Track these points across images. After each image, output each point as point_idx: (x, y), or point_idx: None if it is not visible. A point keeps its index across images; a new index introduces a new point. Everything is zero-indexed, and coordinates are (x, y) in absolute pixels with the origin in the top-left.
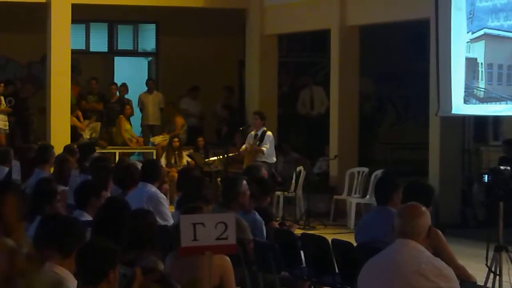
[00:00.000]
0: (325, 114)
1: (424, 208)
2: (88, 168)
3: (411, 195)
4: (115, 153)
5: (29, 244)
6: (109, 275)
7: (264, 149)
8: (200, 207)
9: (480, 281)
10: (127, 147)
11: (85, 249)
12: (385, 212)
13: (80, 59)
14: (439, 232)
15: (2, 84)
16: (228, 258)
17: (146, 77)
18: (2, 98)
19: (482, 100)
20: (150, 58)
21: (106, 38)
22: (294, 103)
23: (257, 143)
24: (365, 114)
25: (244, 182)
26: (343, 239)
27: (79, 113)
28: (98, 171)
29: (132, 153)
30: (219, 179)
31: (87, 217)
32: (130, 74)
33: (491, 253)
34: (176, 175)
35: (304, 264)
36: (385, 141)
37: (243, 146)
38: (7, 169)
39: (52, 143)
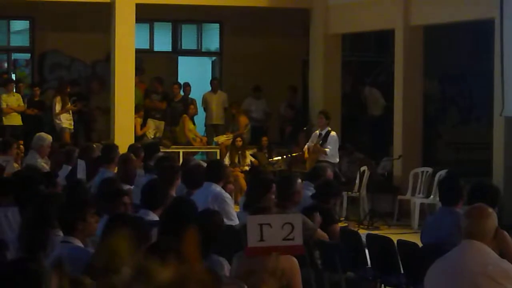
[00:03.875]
0: (383, 115)
1: (490, 209)
2: (153, 168)
3: (476, 196)
4: (179, 152)
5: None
6: None
7: (326, 150)
8: (269, 207)
9: None
10: (191, 146)
11: (151, 249)
12: (452, 213)
13: (144, 59)
14: (506, 233)
15: (69, 86)
16: (295, 259)
17: (210, 77)
18: (67, 98)
19: None
20: (214, 58)
21: (170, 38)
22: (357, 102)
23: (320, 143)
24: (428, 114)
25: (299, 180)
26: (407, 239)
27: (139, 120)
28: (164, 170)
29: (196, 153)
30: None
31: (153, 217)
32: (194, 73)
33: None
34: (240, 174)
35: (369, 265)
36: (449, 141)
37: (306, 146)
38: (70, 167)
39: (116, 142)
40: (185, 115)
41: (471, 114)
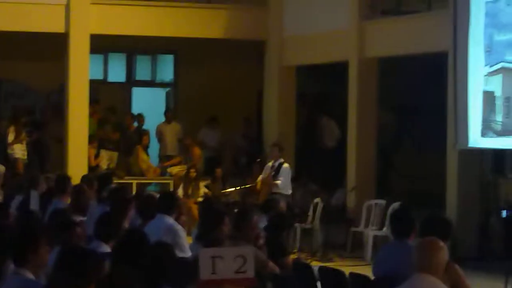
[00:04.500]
0: (339, 146)
1: (442, 243)
2: (107, 199)
3: (429, 229)
4: (132, 183)
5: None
6: None
7: (278, 182)
8: (221, 240)
9: None
10: (144, 177)
11: (103, 281)
12: (404, 246)
13: (98, 89)
14: (457, 266)
15: (23, 116)
16: None
17: (164, 108)
18: (21, 128)
19: (500, 134)
20: (168, 89)
21: (125, 68)
22: (312, 134)
23: (273, 174)
24: (382, 145)
25: (256, 216)
26: (360, 271)
27: (92, 151)
28: (117, 202)
29: (149, 184)
30: (235, 210)
31: (106, 249)
32: (148, 104)
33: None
34: (193, 206)
35: None
36: (403, 173)
37: (259, 178)
38: (21, 198)
39: (70, 172)
40: (139, 146)
41: (425, 145)
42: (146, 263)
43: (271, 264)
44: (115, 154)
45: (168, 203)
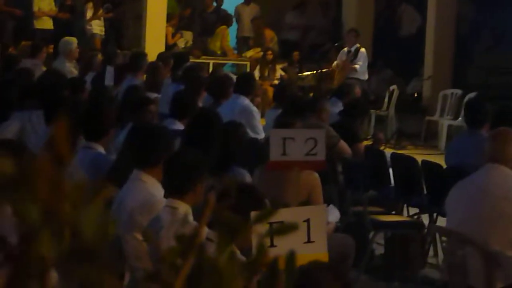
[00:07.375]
0: (416, 35)
1: None
2: (181, 77)
3: (502, 120)
4: (208, 63)
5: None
6: (196, 186)
7: (357, 66)
8: (292, 122)
9: None
10: (221, 57)
11: (173, 159)
12: (477, 136)
13: None
14: None
15: None
16: (317, 175)
17: None
18: (99, 4)
19: None
20: None
21: None
22: (390, 20)
23: (351, 60)
24: (461, 36)
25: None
26: (433, 160)
27: (170, 30)
28: (190, 80)
29: (225, 64)
30: (311, 94)
31: (179, 126)
32: None
33: None
34: (268, 88)
35: (392, 184)
36: (480, 65)
37: (335, 63)
38: (94, 73)
39: (147, 50)
40: (224, 26)
41: (504, 38)
42: (217, 143)
43: (343, 142)
44: (189, 34)
45: (245, 84)
